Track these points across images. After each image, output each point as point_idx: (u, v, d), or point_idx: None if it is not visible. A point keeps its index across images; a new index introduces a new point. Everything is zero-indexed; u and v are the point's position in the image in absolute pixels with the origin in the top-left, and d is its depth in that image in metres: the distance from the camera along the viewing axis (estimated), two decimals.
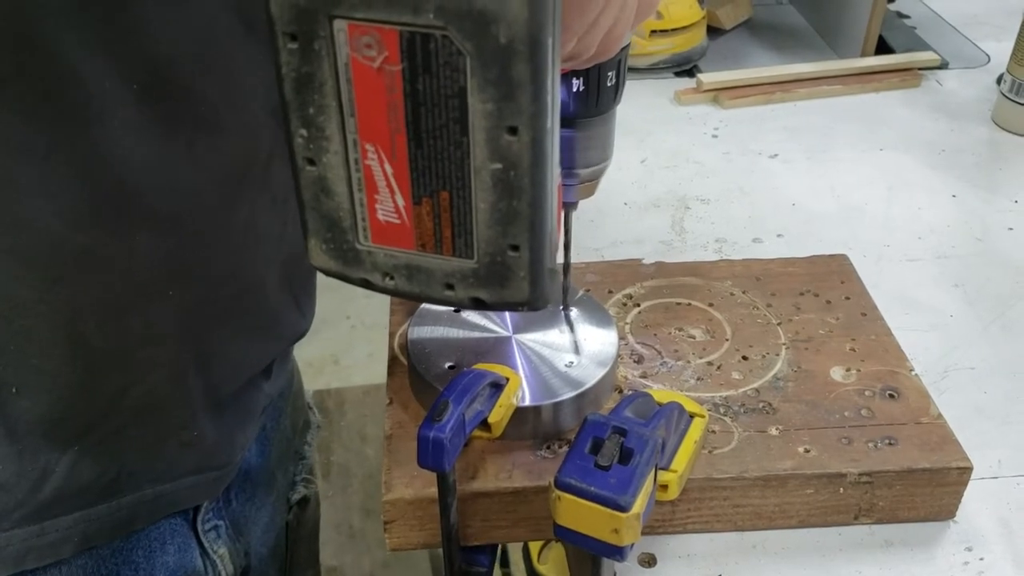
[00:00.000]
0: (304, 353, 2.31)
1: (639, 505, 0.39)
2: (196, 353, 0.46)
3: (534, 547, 1.00)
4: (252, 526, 0.59)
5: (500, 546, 0.54)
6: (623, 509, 0.38)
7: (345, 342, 2.21)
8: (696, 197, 0.74)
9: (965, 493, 0.49)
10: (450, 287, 0.34)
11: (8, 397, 0.41)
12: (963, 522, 0.49)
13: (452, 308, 0.53)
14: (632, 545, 0.40)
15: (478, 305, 0.34)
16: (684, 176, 0.76)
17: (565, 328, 0.51)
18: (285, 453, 0.64)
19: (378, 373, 1.90)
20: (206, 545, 0.52)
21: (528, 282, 0.32)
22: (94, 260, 0.40)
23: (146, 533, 0.48)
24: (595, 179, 0.48)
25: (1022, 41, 0.81)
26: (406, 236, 0.33)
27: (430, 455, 0.41)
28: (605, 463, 0.39)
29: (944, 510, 0.49)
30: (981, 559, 0.48)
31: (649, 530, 0.48)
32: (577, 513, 0.39)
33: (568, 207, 0.49)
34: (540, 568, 0.99)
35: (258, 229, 0.47)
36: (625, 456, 0.40)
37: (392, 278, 0.34)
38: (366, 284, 0.35)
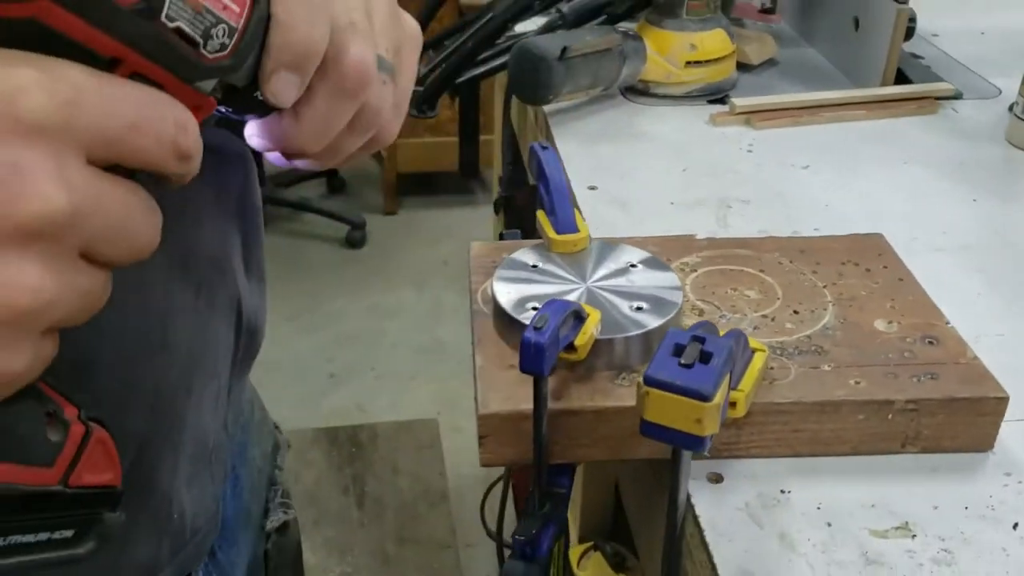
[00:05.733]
0: (330, 402, 2.36)
1: (719, 396, 0.44)
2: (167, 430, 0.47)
3: (574, 555, 1.04)
4: (236, 570, 0.59)
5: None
6: (706, 399, 0.43)
7: (370, 392, 2.26)
8: (736, 198, 0.80)
9: (1002, 434, 0.54)
10: None
11: None
12: (1000, 455, 0.54)
13: (530, 264, 0.59)
14: (712, 436, 0.45)
15: None
16: (724, 182, 0.83)
17: (634, 279, 0.57)
18: (257, 484, 0.65)
19: (403, 418, 1.93)
20: None
21: None
22: None
23: None
24: None
25: None
26: None
27: (532, 358, 0.46)
28: (688, 362, 0.45)
29: (984, 441, 0.54)
30: (1020, 482, 0.52)
31: (716, 453, 0.53)
32: (663, 407, 0.44)
33: None
34: (580, 574, 1.02)
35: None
36: (704, 358, 0.45)
37: None
38: None
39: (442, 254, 2.79)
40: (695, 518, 0.50)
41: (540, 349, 0.46)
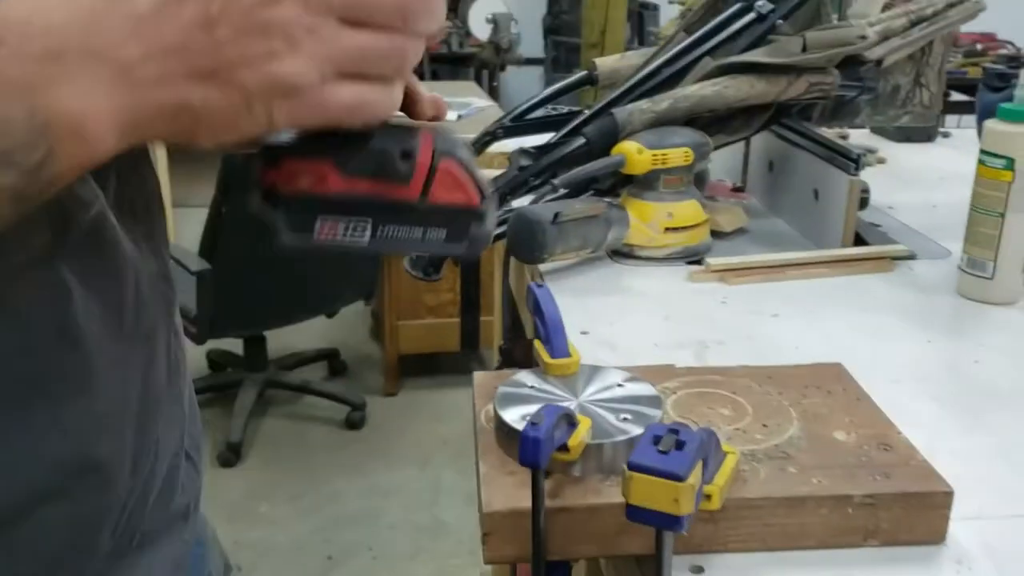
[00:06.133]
0: None
1: (693, 478, 0.51)
2: None
3: None
4: None
5: None
6: (681, 479, 0.50)
7: (368, 573, 2.26)
8: (712, 341, 0.88)
9: (955, 529, 0.60)
10: None
11: None
12: (952, 547, 0.60)
13: (528, 385, 0.66)
14: (688, 517, 0.51)
15: None
16: (701, 328, 0.91)
17: (620, 395, 0.65)
18: None
19: None
20: None
21: None
22: None
23: None
24: None
25: (971, 226, 0.99)
26: None
27: (530, 451, 0.53)
28: (665, 449, 0.52)
29: (936, 534, 0.60)
30: (970, 569, 0.58)
31: (697, 548, 0.59)
32: (645, 489, 0.51)
33: None
34: None
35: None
36: (679, 446, 0.52)
37: None
38: None
39: (442, 434, 2.84)
40: None
41: (537, 442, 0.53)
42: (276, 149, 0.47)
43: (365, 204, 0.48)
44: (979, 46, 4.05)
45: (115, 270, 0.53)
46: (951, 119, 2.98)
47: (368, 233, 0.48)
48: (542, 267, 1.04)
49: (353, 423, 2.84)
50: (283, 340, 3.07)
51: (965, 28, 4.47)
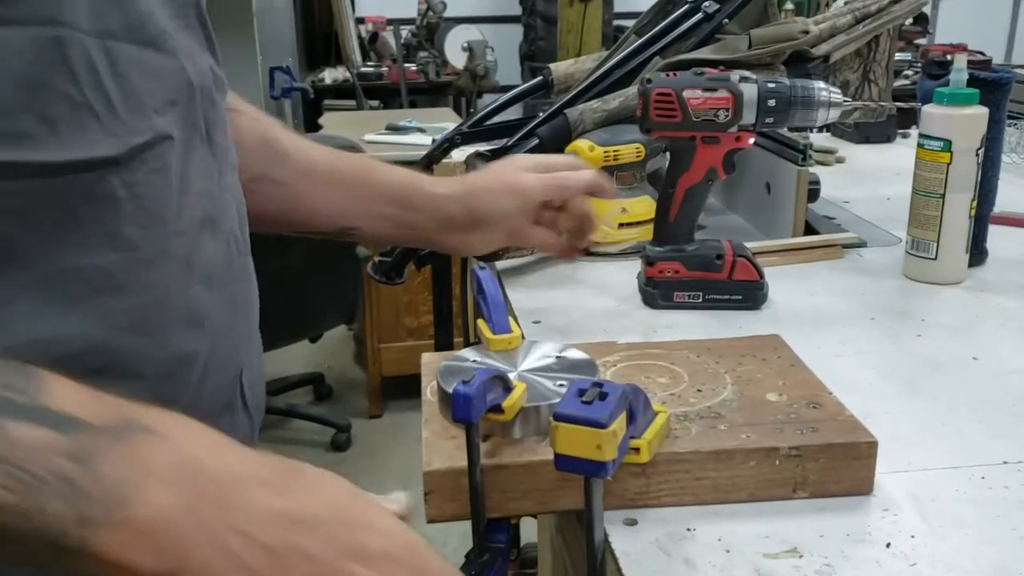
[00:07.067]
0: None
1: (615, 426, 0.53)
2: None
3: None
4: None
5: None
6: (603, 426, 0.52)
7: None
8: (662, 325, 0.91)
9: (883, 481, 0.63)
10: None
11: None
12: (880, 496, 0.62)
13: (471, 359, 0.69)
14: (613, 462, 0.53)
15: None
16: (651, 314, 0.94)
17: (557, 364, 0.67)
18: None
19: None
20: None
21: None
22: None
23: None
24: None
25: (914, 209, 1.02)
26: None
27: (461, 407, 0.55)
28: (588, 400, 0.54)
29: (864, 484, 0.62)
30: (895, 516, 0.60)
31: (630, 502, 0.61)
32: (570, 438, 0.53)
33: None
34: None
35: None
36: (602, 397, 0.54)
37: None
38: None
39: None
40: (612, 552, 0.57)
41: (468, 398, 0.55)
42: (649, 256, 0.95)
43: (698, 283, 0.93)
44: (949, 56, 4.11)
45: None
46: None
47: (700, 298, 0.93)
48: (500, 265, 1.06)
49: (339, 445, 2.85)
50: (269, 366, 3.08)
51: (937, 39, 4.54)
